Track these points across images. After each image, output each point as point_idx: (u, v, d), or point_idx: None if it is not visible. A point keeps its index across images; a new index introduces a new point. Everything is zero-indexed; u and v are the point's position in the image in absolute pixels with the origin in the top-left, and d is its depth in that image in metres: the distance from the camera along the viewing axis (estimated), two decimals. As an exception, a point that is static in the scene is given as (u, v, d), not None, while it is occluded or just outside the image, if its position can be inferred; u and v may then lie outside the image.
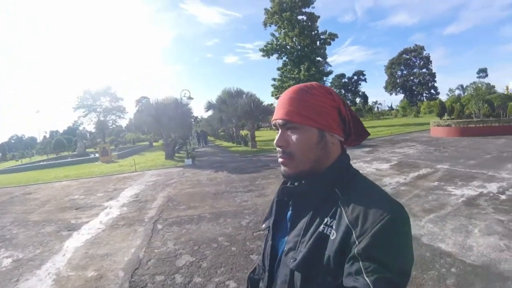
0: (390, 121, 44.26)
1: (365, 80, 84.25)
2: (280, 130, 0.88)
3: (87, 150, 34.30)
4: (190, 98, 17.01)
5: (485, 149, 11.97)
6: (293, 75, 36.92)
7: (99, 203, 7.88)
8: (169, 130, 19.06)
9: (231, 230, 4.82)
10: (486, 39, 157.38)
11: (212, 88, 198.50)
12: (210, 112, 30.64)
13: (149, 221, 5.82)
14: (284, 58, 38.71)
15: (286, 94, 0.88)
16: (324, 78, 39.80)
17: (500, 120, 17.07)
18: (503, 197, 5.68)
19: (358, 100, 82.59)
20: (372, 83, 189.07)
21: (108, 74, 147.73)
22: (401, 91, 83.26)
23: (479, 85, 21.08)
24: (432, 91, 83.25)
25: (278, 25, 37.79)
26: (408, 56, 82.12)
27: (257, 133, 25.32)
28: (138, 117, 21.65)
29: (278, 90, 37.15)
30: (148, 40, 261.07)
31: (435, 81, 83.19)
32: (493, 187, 6.41)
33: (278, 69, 39.14)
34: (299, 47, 37.48)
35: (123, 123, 71.86)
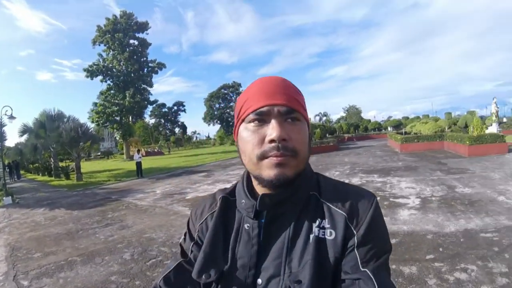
0: (211, 149, 46.51)
1: (184, 110, 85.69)
2: (276, 120, 0.66)
3: None
4: (12, 117, 13.52)
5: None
6: (117, 100, 33.88)
7: None
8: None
9: (118, 267, 4.17)
10: (294, 79, 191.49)
11: (20, 108, 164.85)
12: (23, 138, 25.12)
13: (6, 279, 4.30)
14: (109, 82, 35.32)
15: (276, 80, 0.73)
16: (149, 107, 38.93)
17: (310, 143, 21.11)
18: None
19: (177, 130, 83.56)
20: (191, 114, 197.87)
21: None
22: (218, 122, 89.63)
23: None
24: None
25: (108, 45, 34.79)
26: (226, 91, 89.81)
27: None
28: None
29: (100, 115, 33.36)
30: None
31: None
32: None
33: (102, 93, 35.30)
34: (126, 71, 35.13)
35: None
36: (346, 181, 5.66)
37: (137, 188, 11.84)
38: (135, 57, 35.58)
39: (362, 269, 0.65)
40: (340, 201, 0.72)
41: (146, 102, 37.13)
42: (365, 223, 0.69)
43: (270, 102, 0.67)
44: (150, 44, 37.80)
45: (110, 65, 34.72)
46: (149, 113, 70.99)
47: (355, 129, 44.18)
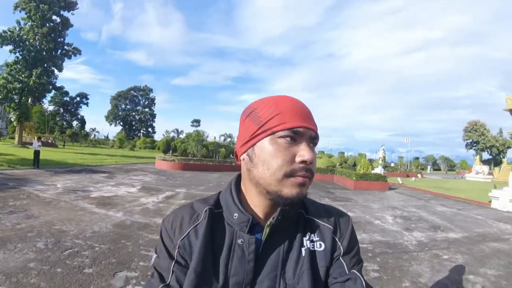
0: (109, 151, 44.35)
1: (87, 104, 79.01)
2: (307, 143, 0.70)
3: None
4: None
5: (207, 180, 15.61)
6: (21, 77, 29.56)
7: None
8: None
9: (34, 254, 4.04)
10: (206, 96, 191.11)
11: None
12: None
13: None
14: (18, 54, 30.60)
15: (303, 103, 0.76)
16: (52, 92, 35.33)
17: (213, 160, 22.41)
18: None
19: (75, 123, 76.41)
20: (93, 108, 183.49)
21: None
22: (121, 123, 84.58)
23: (200, 132, 26.10)
24: (150, 129, 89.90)
25: (29, 14, 30.40)
26: (136, 93, 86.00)
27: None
28: None
29: (0, 90, 28.71)
30: None
31: (154, 121, 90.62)
32: None
33: (7, 64, 30.38)
34: (39, 48, 31.03)
35: None
36: None
37: (36, 179, 10.97)
38: (53, 35, 32.06)
39: (350, 272, 0.75)
40: (326, 217, 0.81)
41: (51, 86, 33.48)
42: (347, 236, 0.80)
43: (306, 125, 0.69)
44: (72, 26, 34.45)
45: (25, 36, 30.45)
46: (49, 98, 63.90)
47: None
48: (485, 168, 34.36)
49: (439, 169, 54.51)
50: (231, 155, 31.24)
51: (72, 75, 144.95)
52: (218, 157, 25.70)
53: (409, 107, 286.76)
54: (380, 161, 24.56)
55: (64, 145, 44.22)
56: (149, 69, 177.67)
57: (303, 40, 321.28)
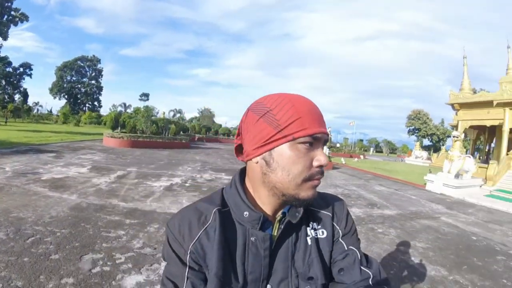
0: (53, 127, 42.04)
1: (30, 75, 71.52)
2: (320, 148, 0.73)
3: None
4: None
5: (157, 158, 16.02)
6: None
7: None
8: None
9: None
10: (155, 69, 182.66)
11: None
12: None
13: None
14: None
15: (314, 105, 0.75)
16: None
17: (163, 137, 22.48)
18: (186, 184, 9.18)
19: (17, 97, 69.88)
20: (37, 80, 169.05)
21: None
22: (66, 96, 78.96)
23: (149, 107, 25.61)
24: (96, 103, 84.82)
25: None
26: (83, 64, 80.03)
27: None
28: None
29: None
30: None
31: (100, 94, 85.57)
32: (177, 179, 9.90)
33: None
34: None
35: None
36: (198, 176, 9.83)
37: (-20, 162, 10.45)
38: (-2, -1, 27.82)
39: (351, 249, 0.84)
40: (324, 205, 0.88)
41: (-6, 56, 29.43)
42: (344, 219, 0.89)
43: (323, 130, 0.72)
44: (23, -10, 30.79)
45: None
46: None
47: (206, 131, 45.78)
48: (424, 153, 36.26)
49: (382, 151, 57.47)
50: (181, 132, 31.21)
51: (15, 43, 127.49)
52: (168, 134, 25.58)
53: (357, 92, 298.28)
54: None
55: (6, 122, 40.99)
56: (98, 38, 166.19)
57: (261, 17, 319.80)
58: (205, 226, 0.76)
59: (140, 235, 4.84)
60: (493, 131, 21.57)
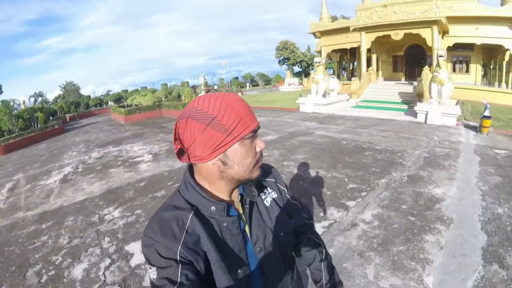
0: None
1: None
2: (256, 135, 0.88)
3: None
4: None
5: (37, 154, 14.06)
6: None
7: None
8: None
9: None
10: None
11: None
12: None
13: None
14: None
15: (245, 101, 0.87)
16: None
17: (34, 130, 19.60)
18: (79, 169, 8.35)
19: None
20: None
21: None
22: None
23: (7, 101, 21.81)
24: None
25: None
26: None
27: None
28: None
29: None
30: None
31: None
32: (68, 168, 9.22)
33: None
34: None
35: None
36: (87, 157, 10.19)
37: None
38: None
39: (294, 202, 1.18)
40: (266, 174, 1.12)
41: None
42: (280, 180, 1.17)
43: (257, 122, 0.86)
44: None
45: None
46: None
47: (76, 108, 41.92)
48: (296, 80, 37.96)
49: (258, 85, 59.09)
50: (50, 117, 27.94)
51: None
52: (38, 124, 22.48)
53: (224, 31, 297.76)
54: (203, 87, 26.39)
55: None
56: None
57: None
58: (185, 228, 0.85)
59: (62, 232, 4.93)
60: (354, 53, 24.82)
